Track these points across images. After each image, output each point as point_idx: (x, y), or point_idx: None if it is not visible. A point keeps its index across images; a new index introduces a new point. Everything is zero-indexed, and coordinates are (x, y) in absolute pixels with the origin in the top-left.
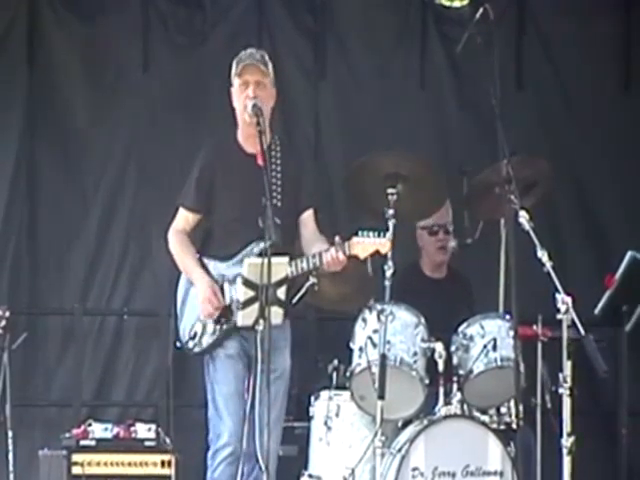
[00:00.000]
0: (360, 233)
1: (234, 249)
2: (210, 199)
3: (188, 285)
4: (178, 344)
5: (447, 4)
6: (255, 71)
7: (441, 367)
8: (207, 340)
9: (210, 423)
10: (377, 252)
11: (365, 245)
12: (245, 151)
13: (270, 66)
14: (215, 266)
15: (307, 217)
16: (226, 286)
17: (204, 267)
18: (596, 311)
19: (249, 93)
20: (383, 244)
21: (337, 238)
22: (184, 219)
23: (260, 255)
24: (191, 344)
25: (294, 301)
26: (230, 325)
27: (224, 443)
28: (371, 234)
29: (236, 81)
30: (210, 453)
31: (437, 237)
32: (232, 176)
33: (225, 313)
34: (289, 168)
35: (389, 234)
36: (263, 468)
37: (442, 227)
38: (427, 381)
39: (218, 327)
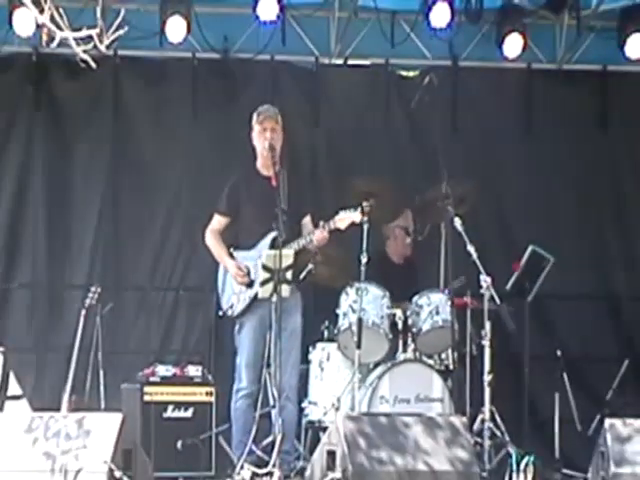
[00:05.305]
0: (339, 212)
1: (254, 240)
2: (237, 207)
3: (224, 271)
4: (220, 313)
5: (404, 74)
6: (272, 121)
7: (400, 326)
8: (240, 307)
9: (237, 368)
10: (353, 223)
11: (344, 220)
12: (262, 175)
13: (279, 118)
14: (242, 255)
15: (307, 221)
16: (251, 266)
17: (231, 255)
18: (507, 287)
19: (267, 136)
20: (355, 216)
21: (321, 222)
22: (217, 221)
23: (273, 247)
24: (230, 312)
25: (300, 278)
26: (252, 296)
27: (243, 386)
28: (347, 211)
29: (257, 127)
30: (234, 388)
31: (408, 236)
32: (253, 191)
33: (251, 282)
34: (292, 188)
35: (358, 209)
36: (276, 397)
37: (408, 229)
38: (391, 336)
39: (247, 296)
